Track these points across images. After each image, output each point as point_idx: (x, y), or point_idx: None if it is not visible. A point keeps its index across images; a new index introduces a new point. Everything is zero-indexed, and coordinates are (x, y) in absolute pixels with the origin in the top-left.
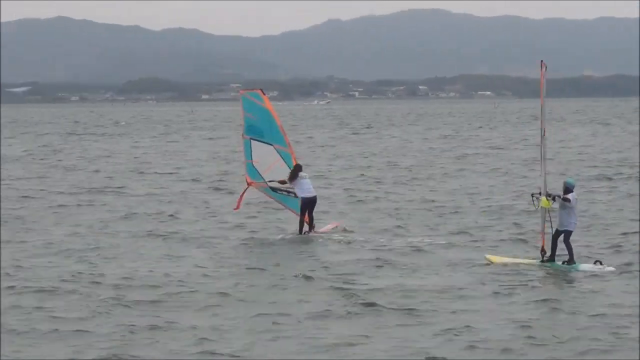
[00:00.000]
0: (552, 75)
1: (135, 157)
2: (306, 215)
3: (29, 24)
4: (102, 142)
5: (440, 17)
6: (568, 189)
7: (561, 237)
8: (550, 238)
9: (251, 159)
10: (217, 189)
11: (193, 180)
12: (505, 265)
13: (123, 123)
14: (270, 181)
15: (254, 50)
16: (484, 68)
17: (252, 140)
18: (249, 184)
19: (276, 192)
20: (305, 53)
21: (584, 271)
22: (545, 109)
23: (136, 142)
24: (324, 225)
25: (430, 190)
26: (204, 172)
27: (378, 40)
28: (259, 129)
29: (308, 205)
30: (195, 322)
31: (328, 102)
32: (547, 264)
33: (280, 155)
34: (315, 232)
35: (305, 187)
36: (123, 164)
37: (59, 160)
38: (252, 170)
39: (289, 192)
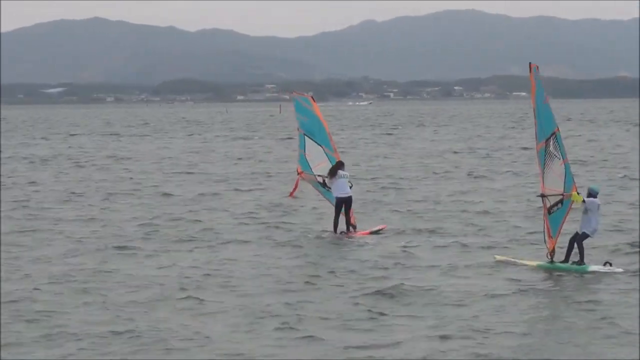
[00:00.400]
0: (586, 76)
1: (169, 158)
2: (345, 215)
3: (65, 25)
4: (133, 143)
5: (475, 18)
6: (591, 195)
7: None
8: (564, 240)
9: (304, 150)
10: (248, 190)
11: (224, 181)
12: (515, 266)
13: (152, 124)
14: (318, 175)
15: (289, 51)
16: (519, 68)
17: (305, 136)
18: (299, 174)
19: (324, 187)
20: (340, 54)
21: (594, 272)
22: (548, 111)
23: (168, 142)
24: (369, 226)
25: (460, 192)
26: (235, 172)
27: (413, 41)
28: (311, 130)
29: (341, 204)
30: (216, 322)
31: (370, 103)
32: (558, 265)
33: (328, 158)
34: (352, 233)
35: (340, 186)
36: (154, 164)
37: (91, 158)
38: (304, 162)
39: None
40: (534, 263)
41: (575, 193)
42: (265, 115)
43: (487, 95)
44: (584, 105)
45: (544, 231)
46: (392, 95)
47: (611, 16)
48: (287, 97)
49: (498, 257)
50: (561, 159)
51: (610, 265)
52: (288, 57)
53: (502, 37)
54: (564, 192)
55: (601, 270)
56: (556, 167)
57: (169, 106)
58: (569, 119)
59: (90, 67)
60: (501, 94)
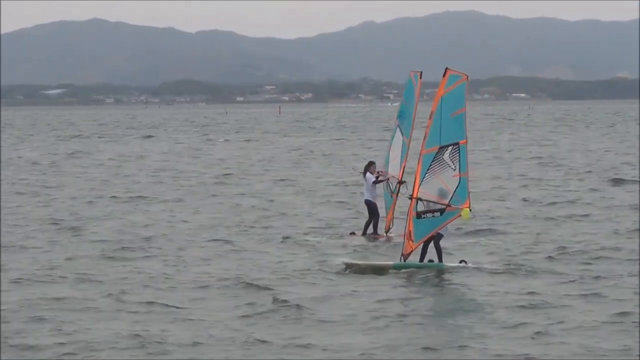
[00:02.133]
0: (585, 76)
1: (171, 160)
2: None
3: (65, 26)
4: (121, 145)
5: (475, 19)
6: None
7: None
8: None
9: (391, 145)
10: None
11: (234, 184)
12: (366, 269)
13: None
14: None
15: (288, 52)
16: (518, 69)
17: (398, 127)
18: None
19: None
20: (339, 55)
21: (450, 268)
22: (460, 122)
23: (162, 143)
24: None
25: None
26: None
27: (412, 42)
28: (402, 116)
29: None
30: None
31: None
32: (413, 264)
33: (401, 151)
34: (376, 235)
35: (364, 189)
36: (154, 167)
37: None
38: (387, 159)
39: (392, 192)
40: (390, 263)
41: (467, 209)
42: (261, 115)
43: (486, 96)
44: (584, 106)
45: (405, 232)
46: (391, 96)
47: (611, 17)
48: (286, 98)
49: (347, 261)
50: (457, 171)
51: (466, 263)
52: (288, 58)
53: (501, 38)
54: (450, 203)
55: (456, 268)
56: (445, 177)
57: (168, 107)
58: (554, 121)
59: (90, 69)
60: (500, 95)
